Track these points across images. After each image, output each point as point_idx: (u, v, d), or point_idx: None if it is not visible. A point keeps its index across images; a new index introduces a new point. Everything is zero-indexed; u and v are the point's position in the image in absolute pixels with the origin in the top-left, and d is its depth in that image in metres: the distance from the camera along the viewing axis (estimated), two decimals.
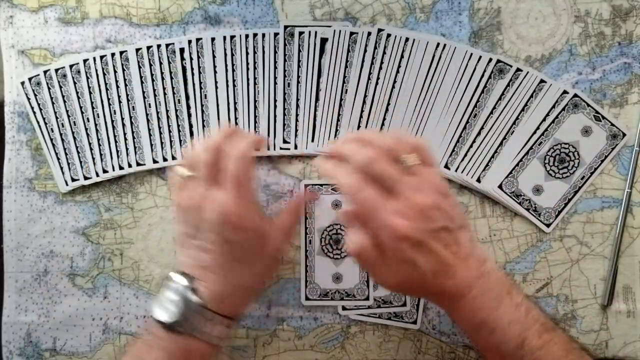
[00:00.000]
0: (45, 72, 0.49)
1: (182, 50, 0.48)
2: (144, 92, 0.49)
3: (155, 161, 0.49)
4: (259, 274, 0.42)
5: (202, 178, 0.40)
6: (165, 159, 0.49)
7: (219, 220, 0.38)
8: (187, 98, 0.49)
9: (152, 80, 0.49)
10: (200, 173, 0.40)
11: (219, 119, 0.48)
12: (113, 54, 0.49)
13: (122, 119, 0.49)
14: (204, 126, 0.49)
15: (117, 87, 0.49)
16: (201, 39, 0.48)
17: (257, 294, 0.45)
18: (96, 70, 0.49)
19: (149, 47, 0.49)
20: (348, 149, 0.38)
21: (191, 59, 0.48)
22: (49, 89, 0.49)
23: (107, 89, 0.49)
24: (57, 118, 0.49)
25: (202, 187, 0.40)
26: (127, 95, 0.49)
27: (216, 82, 0.48)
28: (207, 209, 0.39)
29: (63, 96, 0.49)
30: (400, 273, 0.36)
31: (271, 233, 0.42)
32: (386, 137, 0.38)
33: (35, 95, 0.49)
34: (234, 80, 0.48)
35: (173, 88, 0.49)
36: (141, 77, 0.49)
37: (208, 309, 0.38)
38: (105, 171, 0.49)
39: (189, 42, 0.48)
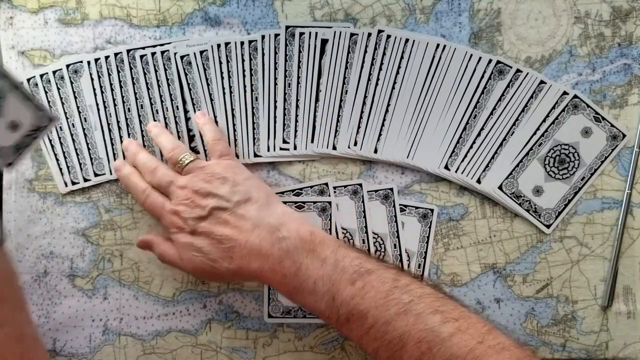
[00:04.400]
0: (44, 73, 0.49)
1: (182, 57, 0.48)
2: (136, 94, 0.49)
3: None
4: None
5: None
6: None
7: None
8: (185, 102, 0.49)
9: (148, 87, 0.49)
10: None
11: (216, 120, 0.49)
12: (107, 57, 0.49)
13: (118, 122, 0.49)
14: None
15: (112, 90, 0.49)
16: (204, 44, 0.48)
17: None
18: (90, 73, 0.49)
19: (142, 56, 0.49)
20: (141, 161, 0.45)
21: (190, 62, 0.48)
22: (48, 89, 0.49)
23: (102, 92, 0.49)
24: None
25: None
26: (123, 97, 0.49)
27: (209, 84, 0.48)
28: None
29: (61, 97, 0.49)
30: (193, 260, 0.41)
31: None
32: (167, 143, 0.45)
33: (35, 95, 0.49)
34: (229, 77, 0.48)
35: (171, 95, 0.49)
36: (136, 80, 0.49)
37: None
38: (104, 174, 0.49)
39: (188, 46, 0.48)
